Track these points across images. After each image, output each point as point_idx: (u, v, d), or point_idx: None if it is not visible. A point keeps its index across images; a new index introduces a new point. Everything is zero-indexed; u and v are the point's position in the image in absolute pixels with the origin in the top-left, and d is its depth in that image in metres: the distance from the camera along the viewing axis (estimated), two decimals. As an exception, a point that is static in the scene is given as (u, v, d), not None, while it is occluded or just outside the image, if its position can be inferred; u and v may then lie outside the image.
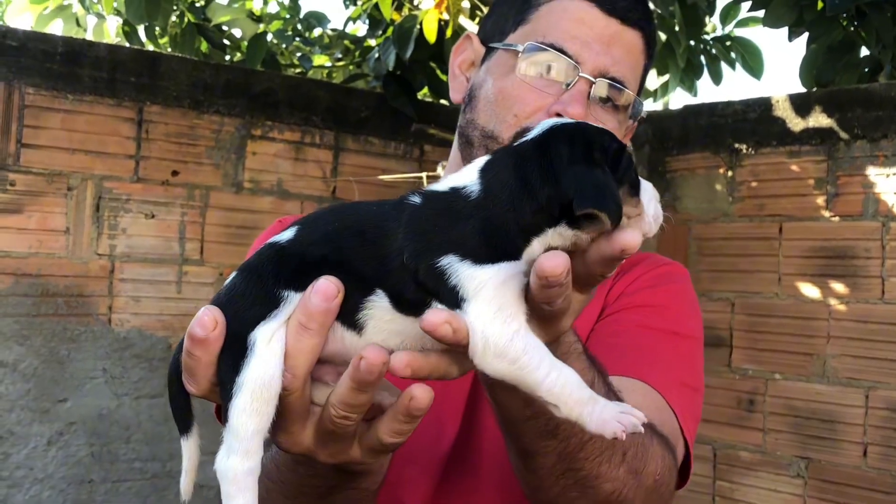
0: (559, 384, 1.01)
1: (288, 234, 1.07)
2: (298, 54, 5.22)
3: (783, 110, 3.87)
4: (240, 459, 1.02)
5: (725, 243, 4.02)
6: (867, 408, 3.59)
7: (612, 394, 1.33)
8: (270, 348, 1.03)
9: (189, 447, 1.12)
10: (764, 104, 3.93)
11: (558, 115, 1.63)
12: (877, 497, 3.55)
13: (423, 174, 3.94)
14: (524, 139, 1.08)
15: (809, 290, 3.75)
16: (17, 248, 3.41)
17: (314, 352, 1.07)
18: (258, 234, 3.86)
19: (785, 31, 4.16)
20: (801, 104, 3.82)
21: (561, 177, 1.01)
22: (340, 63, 5.17)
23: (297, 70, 5.09)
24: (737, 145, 4.01)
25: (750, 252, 3.93)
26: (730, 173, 4.03)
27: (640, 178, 1.06)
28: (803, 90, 4.04)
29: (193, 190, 3.78)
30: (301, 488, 1.37)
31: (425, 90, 4.48)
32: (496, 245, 1.00)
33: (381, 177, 4.06)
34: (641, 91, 1.84)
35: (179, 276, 3.74)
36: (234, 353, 1.02)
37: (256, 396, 1.01)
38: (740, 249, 3.97)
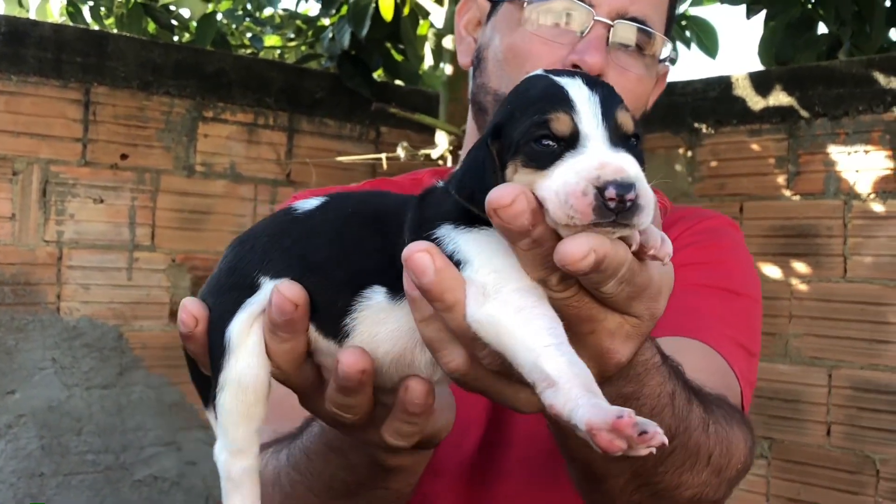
0: (555, 360, 0.84)
1: (309, 205, 1.00)
2: (249, 34, 5.12)
3: (743, 89, 3.84)
4: (233, 458, 0.97)
5: (686, 223, 3.99)
6: (830, 387, 3.58)
7: (696, 415, 1.18)
8: (247, 345, 0.96)
9: (212, 417, 1.03)
10: (724, 83, 3.90)
11: (575, 66, 1.47)
12: (840, 476, 3.54)
13: (383, 155, 3.86)
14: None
15: (771, 270, 3.72)
16: (-40, 235, 3.30)
17: (296, 351, 0.99)
18: (211, 219, 3.81)
19: (743, 8, 4.13)
20: (761, 82, 3.79)
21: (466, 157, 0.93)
22: (293, 43, 5.07)
23: (249, 51, 4.99)
24: (697, 125, 3.97)
25: (711, 232, 3.91)
26: (690, 153, 3.99)
27: (587, 148, 0.85)
28: (763, 68, 4.01)
29: (143, 174, 3.67)
30: (330, 482, 1.26)
31: (380, 71, 4.40)
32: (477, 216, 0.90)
33: (339, 158, 3.97)
34: (671, 29, 1.66)
35: (130, 263, 3.64)
36: (215, 349, 0.96)
37: (239, 397, 0.95)
38: (701, 229, 3.94)
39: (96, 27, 4.66)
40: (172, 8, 4.84)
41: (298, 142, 4.04)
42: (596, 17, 1.51)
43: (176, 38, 4.83)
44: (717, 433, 1.21)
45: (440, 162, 3.78)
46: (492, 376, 0.93)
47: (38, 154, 3.45)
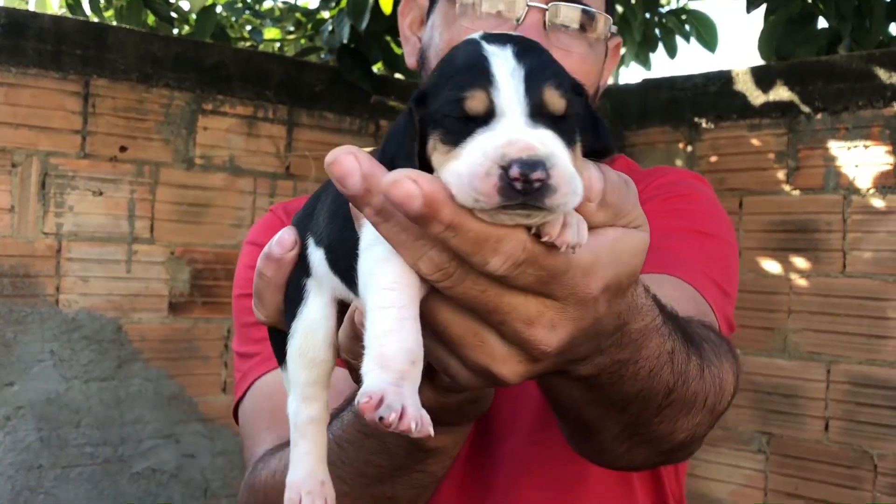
0: (378, 326, 0.82)
1: None
2: (249, 27, 5.11)
3: (743, 84, 3.83)
4: (300, 405, 1.00)
5: (686, 218, 3.99)
6: (828, 382, 3.58)
7: (694, 365, 1.14)
8: (320, 296, 0.99)
9: (286, 376, 1.06)
10: (724, 77, 3.90)
11: None
12: (838, 471, 3.54)
13: (381, 149, 3.85)
14: None
15: (770, 265, 3.72)
16: (-41, 226, 3.30)
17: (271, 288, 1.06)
18: (210, 212, 3.80)
19: (743, 2, 4.13)
20: (761, 77, 3.79)
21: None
22: (292, 36, 5.06)
23: (248, 43, 4.98)
24: (696, 119, 3.97)
25: (710, 227, 3.91)
26: (689, 147, 3.99)
27: (501, 124, 0.79)
28: (763, 63, 4.01)
29: (143, 166, 3.67)
30: (364, 468, 1.25)
31: (380, 64, 4.39)
32: None
33: (338, 152, 3.96)
34: (610, 9, 1.62)
35: (129, 256, 3.63)
36: (292, 295, 1.00)
37: (308, 340, 0.98)
38: (701, 224, 3.94)
39: (96, 19, 4.65)
40: (172, 0, 4.84)
41: (298, 135, 4.03)
42: (529, 3, 1.49)
43: (175, 31, 4.82)
44: (711, 375, 1.18)
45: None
46: (484, 279, 0.85)
47: (37, 146, 3.44)
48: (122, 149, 3.62)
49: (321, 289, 0.98)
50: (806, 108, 3.65)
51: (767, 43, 4.06)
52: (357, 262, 0.86)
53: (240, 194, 3.88)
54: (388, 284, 0.81)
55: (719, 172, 3.89)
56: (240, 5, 5.00)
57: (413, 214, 0.77)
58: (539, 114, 0.80)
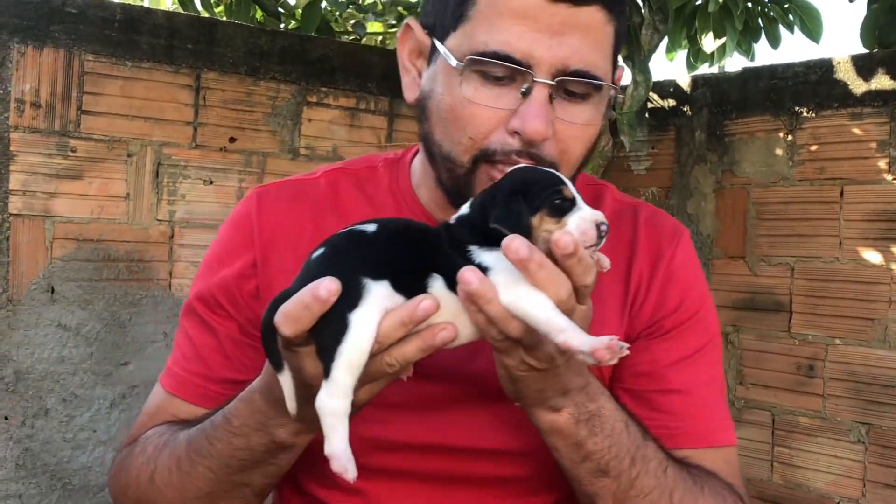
0: (561, 317, 1.27)
1: (370, 227, 1.37)
2: (352, 21, 5.22)
3: (845, 72, 3.80)
4: (339, 401, 1.30)
5: (785, 207, 3.97)
6: (930, 373, 3.54)
7: (642, 435, 1.55)
8: (367, 324, 1.30)
9: (285, 379, 1.39)
10: (825, 66, 3.87)
11: (516, 132, 1.51)
12: (939, 463, 3.50)
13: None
14: (494, 183, 1.40)
15: (870, 255, 3.69)
16: (78, 213, 3.46)
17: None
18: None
19: (846, -9, 4.09)
20: (863, 66, 3.75)
21: (493, 204, 1.34)
22: (394, 29, 5.15)
23: (351, 37, 5.09)
24: (797, 108, 3.95)
25: (810, 216, 3.88)
26: (790, 137, 3.97)
27: (581, 206, 1.32)
28: (865, 52, 3.96)
29: (251, 156, 3.80)
30: (228, 461, 1.55)
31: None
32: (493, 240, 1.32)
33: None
34: (615, 62, 1.62)
35: (237, 242, 3.76)
36: (338, 322, 1.29)
37: (356, 358, 1.30)
38: (800, 213, 3.92)
39: (206, 15, 4.81)
40: (278, -4, 4.97)
41: (398, 126, 4.12)
42: (535, 79, 1.47)
43: (282, 26, 4.95)
44: (678, 476, 1.58)
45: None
46: (514, 346, 1.31)
47: (151, 137, 3.59)
48: (232, 140, 3.76)
49: (371, 311, 1.29)
50: (909, 97, 3.61)
51: (870, 31, 4.01)
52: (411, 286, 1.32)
53: (343, 183, 3.98)
54: (548, 301, 1.28)
55: (819, 161, 3.87)
56: (343, 0, 5.11)
57: (569, 252, 1.22)
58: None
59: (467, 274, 1.26)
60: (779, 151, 3.99)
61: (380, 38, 5.32)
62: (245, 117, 3.79)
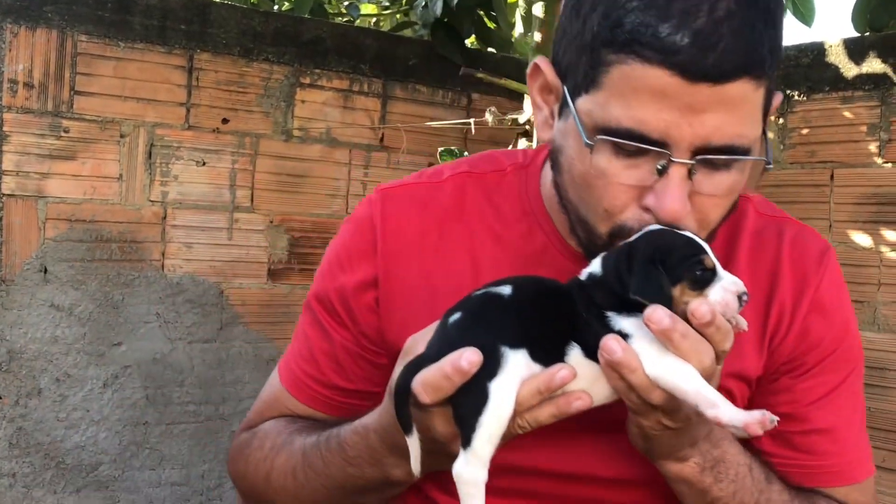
0: (711, 391, 1.29)
1: (506, 290, 1.39)
2: (346, 3, 5.21)
3: (836, 55, 3.81)
4: (478, 470, 1.32)
5: (776, 190, 3.98)
6: (918, 355, 3.57)
7: (766, 478, 1.60)
8: (507, 394, 1.32)
9: (413, 442, 1.41)
10: (817, 49, 3.88)
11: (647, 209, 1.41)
12: (927, 445, 3.53)
13: (471, 120, 3.94)
14: (627, 241, 1.38)
15: (860, 238, 3.71)
16: (71, 194, 3.47)
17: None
18: (307, 182, 3.92)
19: (838, -25, 4.10)
20: (854, 49, 3.77)
21: (632, 272, 1.33)
22: (387, 11, 5.16)
23: (345, 19, 5.09)
24: (788, 91, 3.96)
25: (801, 199, 3.90)
26: (781, 120, 3.98)
27: (722, 275, 1.32)
28: (856, 35, 3.97)
29: (244, 138, 3.81)
30: (343, 484, 1.61)
31: (473, 38, 4.45)
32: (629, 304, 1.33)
33: (429, 123, 4.06)
34: (766, 123, 1.46)
35: (230, 223, 3.78)
36: (479, 393, 1.31)
37: (497, 428, 1.32)
38: (791, 196, 3.93)
39: (199, -4, 4.80)
40: (272, -23, 4.96)
41: (391, 108, 4.13)
42: (672, 159, 1.34)
43: (276, 7, 4.95)
44: None
45: (527, 127, 3.83)
46: (652, 410, 1.34)
47: (143, 118, 3.59)
48: (224, 121, 3.76)
49: (510, 381, 1.31)
50: (900, 80, 3.62)
51: (861, 15, 4.01)
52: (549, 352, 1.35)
53: (336, 165, 4.00)
54: (695, 372, 1.30)
55: (810, 145, 3.88)
56: (337, -19, 5.11)
57: (706, 321, 1.26)
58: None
59: (611, 343, 1.28)
60: (770, 134, 3.99)
61: (373, 20, 5.32)
62: (238, 98, 3.79)
